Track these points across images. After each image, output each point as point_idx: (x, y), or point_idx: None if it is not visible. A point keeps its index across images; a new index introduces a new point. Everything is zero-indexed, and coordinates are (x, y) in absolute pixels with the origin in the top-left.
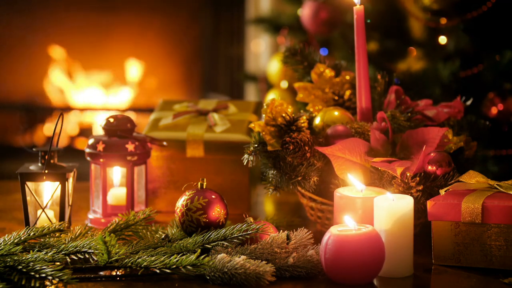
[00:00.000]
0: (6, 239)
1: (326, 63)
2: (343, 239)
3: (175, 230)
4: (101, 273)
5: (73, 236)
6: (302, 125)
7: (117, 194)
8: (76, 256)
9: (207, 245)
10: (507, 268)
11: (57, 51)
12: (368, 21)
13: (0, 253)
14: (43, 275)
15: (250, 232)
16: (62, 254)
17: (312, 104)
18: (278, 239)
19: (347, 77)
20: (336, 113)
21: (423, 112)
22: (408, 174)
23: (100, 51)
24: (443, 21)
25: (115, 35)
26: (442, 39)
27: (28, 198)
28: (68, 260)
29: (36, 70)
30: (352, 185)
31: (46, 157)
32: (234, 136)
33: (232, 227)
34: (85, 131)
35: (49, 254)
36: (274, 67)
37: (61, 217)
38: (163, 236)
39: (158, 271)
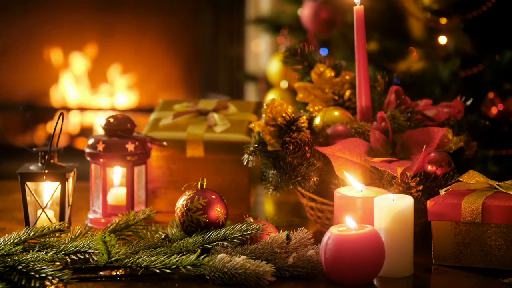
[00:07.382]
0: (6, 239)
1: (326, 63)
2: (343, 239)
3: (175, 230)
4: (101, 273)
5: (73, 236)
6: (302, 125)
7: (117, 194)
8: (76, 256)
9: (207, 245)
10: (507, 268)
11: (57, 51)
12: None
13: (0, 253)
14: (43, 275)
15: (250, 232)
16: (62, 254)
17: (312, 104)
18: (278, 239)
19: (347, 77)
20: (336, 113)
21: (423, 112)
22: (408, 174)
23: (100, 51)
24: (443, 21)
25: (115, 35)
26: (442, 39)
27: (28, 198)
28: (68, 260)
29: (37, 70)
30: (352, 185)
31: (46, 157)
32: (234, 136)
33: (232, 227)
34: (85, 131)
35: (49, 254)
36: (274, 67)
37: (61, 217)
38: (163, 236)
39: (158, 271)
